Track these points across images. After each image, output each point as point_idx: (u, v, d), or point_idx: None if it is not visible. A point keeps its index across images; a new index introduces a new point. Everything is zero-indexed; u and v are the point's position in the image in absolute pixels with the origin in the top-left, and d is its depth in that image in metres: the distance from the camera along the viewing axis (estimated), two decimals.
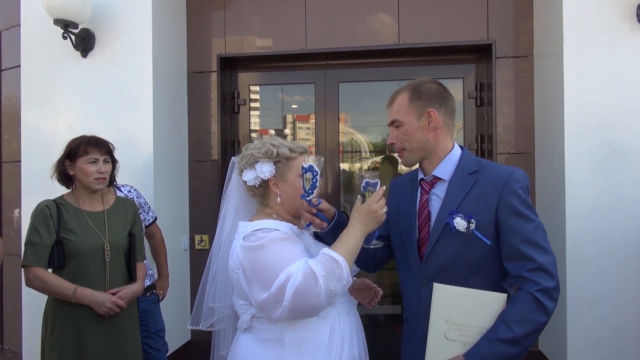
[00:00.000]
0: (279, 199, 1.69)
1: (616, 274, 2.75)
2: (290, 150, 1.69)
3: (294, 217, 1.71)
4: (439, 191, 1.63)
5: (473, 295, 1.50)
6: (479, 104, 3.47)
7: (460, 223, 1.51)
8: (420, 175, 1.70)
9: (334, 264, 1.45)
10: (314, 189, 1.58)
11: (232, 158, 1.84)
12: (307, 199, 1.59)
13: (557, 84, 2.92)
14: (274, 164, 1.68)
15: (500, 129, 3.36)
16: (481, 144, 3.47)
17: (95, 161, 2.26)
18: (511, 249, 1.50)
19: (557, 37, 2.91)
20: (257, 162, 1.69)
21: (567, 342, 2.80)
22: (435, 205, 1.62)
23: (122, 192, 2.70)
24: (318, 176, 1.57)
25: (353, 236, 1.52)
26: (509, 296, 1.52)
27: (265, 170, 1.67)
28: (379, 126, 3.93)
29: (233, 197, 1.82)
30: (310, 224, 1.61)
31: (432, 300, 1.53)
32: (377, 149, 3.93)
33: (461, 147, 1.68)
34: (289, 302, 1.44)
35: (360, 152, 3.95)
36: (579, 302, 2.77)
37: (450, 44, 3.39)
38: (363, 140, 3.96)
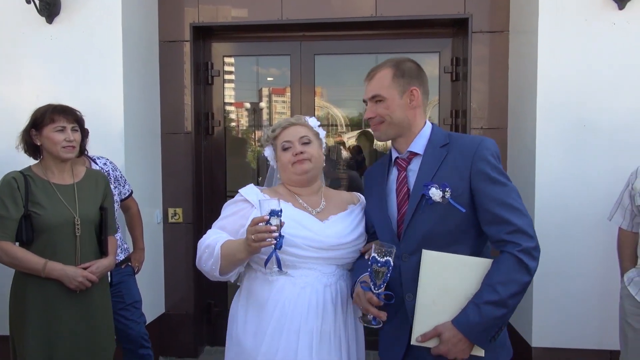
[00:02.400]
0: (278, 174, 1.95)
1: (581, 247, 2.85)
2: (272, 130, 1.88)
3: (297, 187, 1.87)
4: (415, 166, 1.66)
5: (460, 260, 1.53)
6: (454, 78, 3.48)
7: (435, 193, 1.54)
8: (395, 155, 1.72)
9: (211, 252, 1.71)
10: (385, 284, 1.52)
11: None
12: (376, 292, 1.52)
13: (531, 60, 2.94)
14: (271, 146, 1.91)
15: (474, 104, 3.38)
16: (455, 119, 3.49)
17: (63, 129, 2.19)
18: (488, 214, 1.54)
19: (532, 13, 2.92)
20: (265, 148, 1.95)
21: (532, 311, 2.91)
22: (412, 181, 1.65)
23: (97, 164, 2.64)
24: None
25: (237, 249, 1.66)
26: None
27: (267, 153, 1.94)
28: (355, 100, 3.91)
29: (269, 179, 2.08)
30: (375, 318, 1.55)
31: (421, 267, 1.55)
32: (353, 123, 3.92)
33: (432, 123, 1.72)
34: None
35: (336, 126, 3.94)
36: (545, 273, 2.84)
37: (427, 17, 3.36)
38: (339, 114, 3.94)
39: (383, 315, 1.54)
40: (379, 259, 1.47)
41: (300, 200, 1.84)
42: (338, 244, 1.74)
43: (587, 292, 2.86)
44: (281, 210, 1.55)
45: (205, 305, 3.73)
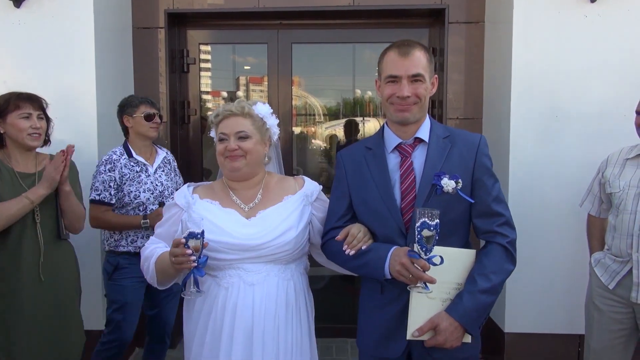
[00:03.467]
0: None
1: (553, 234, 2.92)
2: (215, 116, 1.77)
3: (233, 181, 1.81)
4: (419, 154, 1.65)
5: (448, 252, 1.57)
6: None
7: (448, 183, 1.55)
8: (397, 141, 1.67)
9: (148, 266, 1.76)
10: (434, 247, 1.47)
11: None
12: (426, 257, 1.47)
13: (505, 51, 2.98)
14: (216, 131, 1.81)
15: (450, 95, 3.42)
16: (432, 109, 3.52)
17: (29, 116, 2.14)
18: (484, 206, 1.62)
19: (507, 4, 2.95)
20: (212, 130, 1.85)
21: (505, 298, 2.98)
22: (417, 169, 1.64)
23: (162, 151, 2.82)
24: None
25: (167, 265, 1.62)
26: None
27: (213, 135, 1.84)
28: (333, 89, 3.91)
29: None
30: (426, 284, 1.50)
31: None
32: (330, 113, 3.92)
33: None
34: None
35: (314, 115, 3.94)
36: (518, 260, 2.91)
37: (404, 7, 3.36)
38: (317, 103, 3.93)
39: (435, 279, 1.50)
40: (430, 222, 1.44)
41: (234, 197, 1.78)
42: (261, 243, 1.68)
43: (557, 278, 2.94)
44: (202, 233, 1.52)
45: (181, 296, 3.70)
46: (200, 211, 1.72)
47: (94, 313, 2.95)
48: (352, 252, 1.60)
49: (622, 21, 2.83)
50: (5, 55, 3.00)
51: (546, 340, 2.98)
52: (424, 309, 1.57)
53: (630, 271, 2.21)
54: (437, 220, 1.44)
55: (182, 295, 1.64)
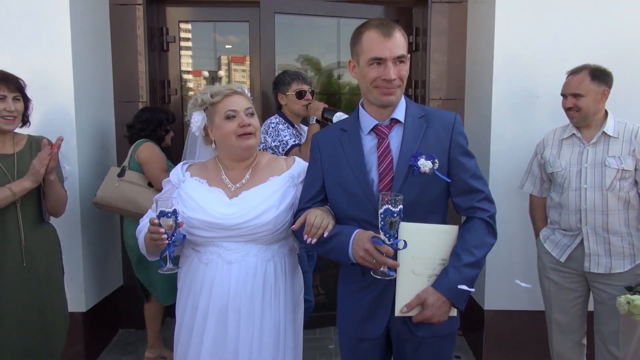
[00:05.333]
0: (213, 145, 1.82)
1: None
2: (212, 95, 1.75)
3: (232, 161, 1.81)
4: (395, 135, 1.65)
5: (432, 229, 1.60)
6: (414, 49, 3.48)
7: (425, 164, 1.55)
8: (373, 122, 1.65)
9: (139, 238, 1.80)
10: (397, 232, 1.48)
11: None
12: (390, 242, 1.47)
13: (488, 32, 2.98)
14: (204, 112, 1.78)
15: (433, 75, 3.41)
16: (415, 89, 3.52)
17: (4, 98, 2.09)
18: (463, 184, 1.63)
19: None
20: (192, 112, 1.81)
21: (485, 274, 3.04)
22: (394, 150, 1.63)
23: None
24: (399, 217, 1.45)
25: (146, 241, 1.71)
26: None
27: (197, 119, 1.80)
28: (316, 68, 3.86)
29: (191, 147, 2.00)
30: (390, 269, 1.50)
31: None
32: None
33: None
34: None
35: None
36: (498, 236, 2.96)
37: None
38: None
39: (398, 263, 1.52)
40: (394, 209, 1.44)
41: (224, 176, 1.80)
42: (238, 223, 1.69)
43: (535, 256, 2.99)
44: (174, 211, 1.58)
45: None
46: (188, 189, 1.76)
47: (76, 296, 2.93)
48: (314, 241, 1.60)
49: (600, 1, 2.84)
50: None
51: (524, 316, 3.05)
52: (411, 286, 1.58)
53: (580, 243, 2.34)
54: (401, 206, 1.45)
55: (158, 271, 1.68)
